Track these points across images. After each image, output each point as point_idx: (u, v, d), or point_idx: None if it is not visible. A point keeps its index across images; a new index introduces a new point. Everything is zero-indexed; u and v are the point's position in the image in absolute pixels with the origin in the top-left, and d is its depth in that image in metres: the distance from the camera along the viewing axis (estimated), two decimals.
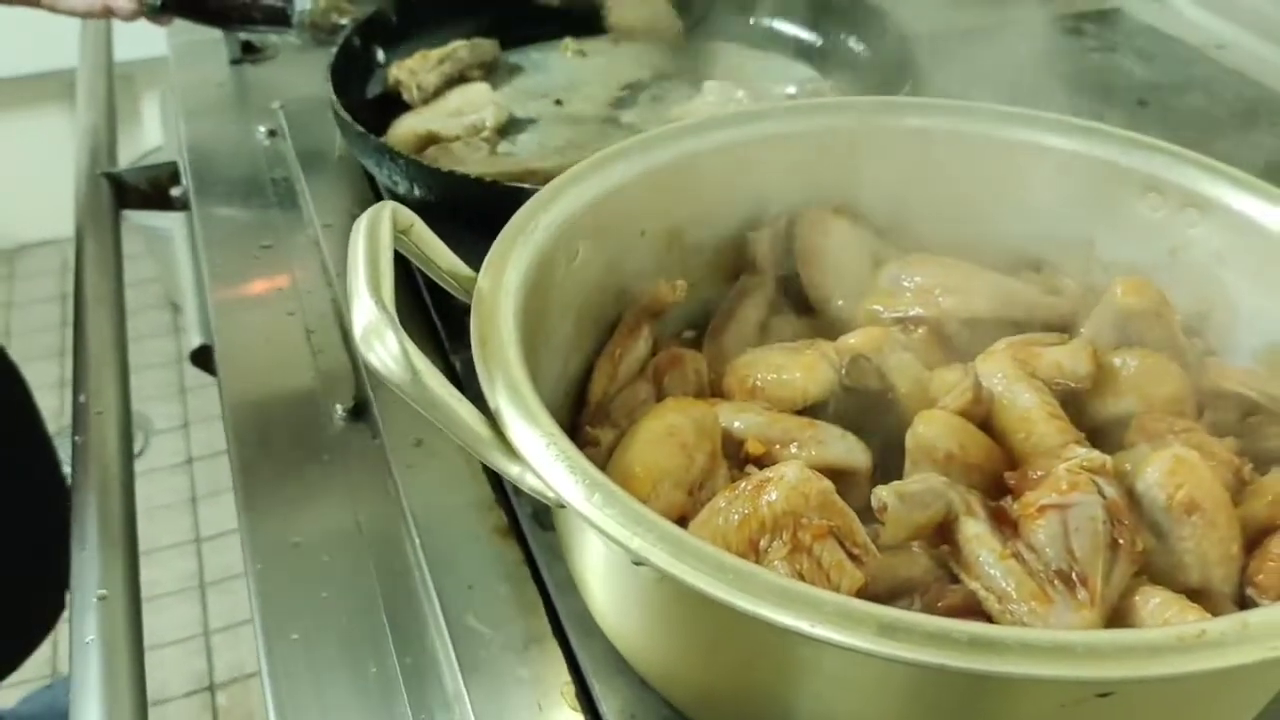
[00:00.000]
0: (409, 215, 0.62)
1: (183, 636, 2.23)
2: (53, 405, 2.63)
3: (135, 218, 2.69)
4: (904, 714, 0.52)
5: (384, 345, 0.53)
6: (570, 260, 0.70)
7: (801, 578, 0.54)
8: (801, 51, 1.23)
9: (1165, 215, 0.76)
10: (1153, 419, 0.66)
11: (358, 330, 0.53)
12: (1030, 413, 0.66)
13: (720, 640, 0.54)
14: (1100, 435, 0.67)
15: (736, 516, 0.56)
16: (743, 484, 0.57)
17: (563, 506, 0.52)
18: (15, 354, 2.93)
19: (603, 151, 0.75)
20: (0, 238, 3.18)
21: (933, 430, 0.64)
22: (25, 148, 2.91)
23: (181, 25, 1.17)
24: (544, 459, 0.52)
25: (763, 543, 0.55)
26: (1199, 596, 0.58)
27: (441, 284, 0.64)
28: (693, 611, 0.54)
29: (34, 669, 2.08)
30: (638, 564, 0.51)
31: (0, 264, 3.20)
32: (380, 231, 0.58)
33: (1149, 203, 0.76)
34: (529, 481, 0.54)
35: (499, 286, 0.62)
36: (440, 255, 0.63)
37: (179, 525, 2.43)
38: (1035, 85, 1.23)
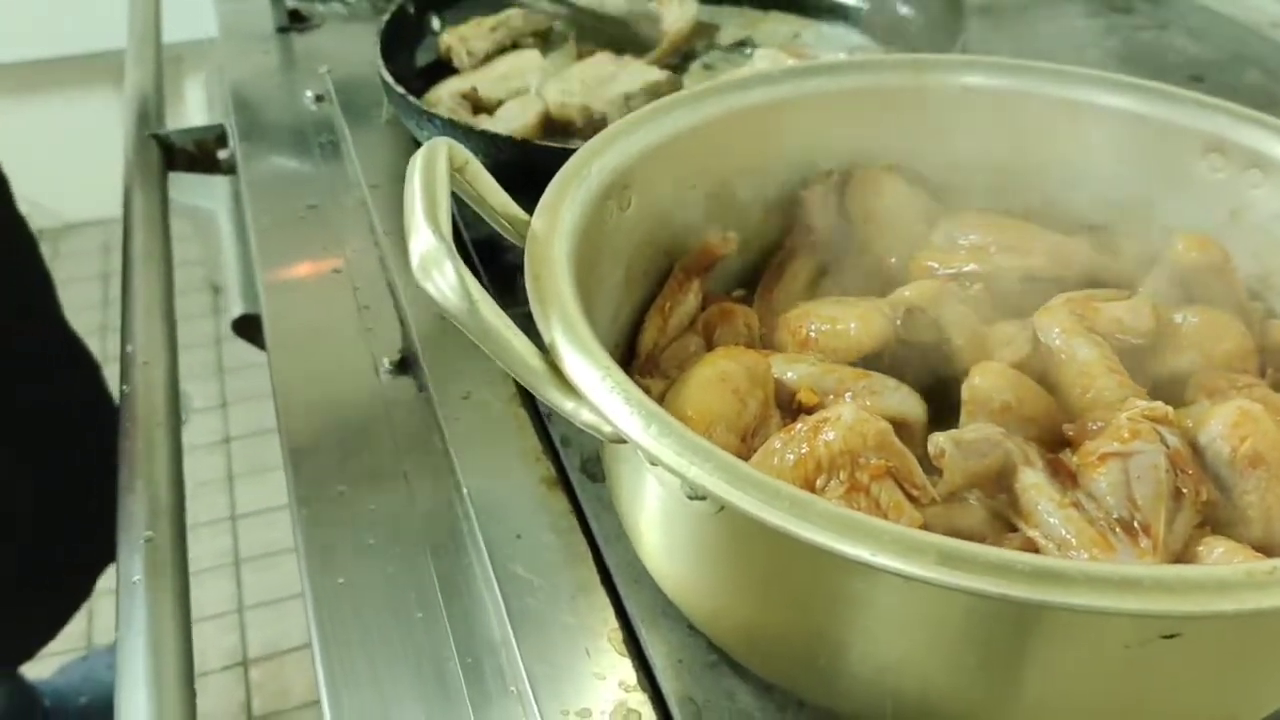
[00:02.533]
0: (464, 153, 0.61)
1: (218, 612, 2.24)
2: None
3: (180, 199, 2.72)
4: (958, 654, 0.51)
5: (442, 274, 0.53)
6: (623, 208, 0.69)
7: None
8: (851, 18, 1.22)
9: (1227, 176, 0.74)
10: (1214, 375, 0.64)
11: (415, 259, 0.53)
12: (1090, 367, 0.65)
13: (774, 576, 0.53)
14: (1160, 392, 0.66)
15: (792, 456, 0.55)
16: (799, 425, 0.57)
17: (620, 441, 0.51)
18: None
19: (654, 103, 0.74)
20: (46, 217, 3.20)
21: (989, 382, 0.63)
22: (72, 128, 2.94)
23: None
24: (600, 391, 0.51)
25: (819, 482, 0.54)
26: (1264, 550, 0.56)
27: (494, 224, 0.64)
28: (748, 546, 0.53)
29: (69, 641, 2.10)
30: (693, 498, 0.50)
31: (45, 242, 3.22)
32: (437, 165, 0.58)
33: (1210, 163, 0.75)
34: (584, 416, 0.53)
35: (553, 228, 0.62)
36: (494, 194, 0.63)
37: (216, 503, 2.44)
38: (1084, 60, 1.22)
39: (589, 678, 0.61)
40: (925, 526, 0.56)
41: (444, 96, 1.07)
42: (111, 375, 2.65)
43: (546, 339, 0.54)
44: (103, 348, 2.77)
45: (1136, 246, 0.76)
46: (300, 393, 0.82)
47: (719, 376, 0.62)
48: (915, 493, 0.54)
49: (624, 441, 0.51)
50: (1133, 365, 0.67)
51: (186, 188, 1.67)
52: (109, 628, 2.15)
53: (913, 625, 0.51)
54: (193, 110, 2.76)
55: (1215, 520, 0.58)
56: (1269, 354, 0.68)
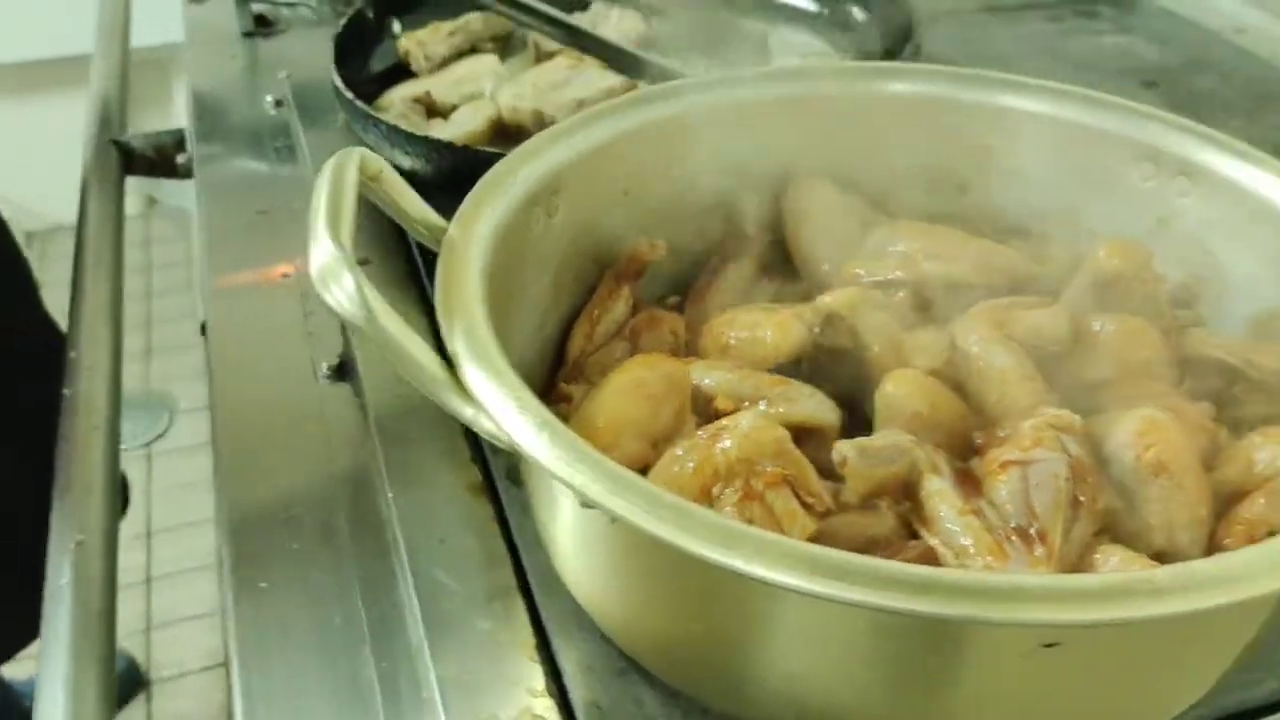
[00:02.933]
0: (378, 162, 0.62)
1: (200, 613, 2.25)
2: None
3: (167, 201, 2.73)
4: (850, 663, 0.52)
5: (339, 285, 0.53)
6: (550, 216, 0.70)
7: (750, 524, 0.53)
8: (805, 21, 1.22)
9: (1156, 185, 0.75)
10: (1128, 383, 0.65)
11: (314, 269, 0.54)
12: (1004, 374, 0.65)
13: (669, 585, 0.54)
14: (1078, 400, 0.66)
15: (691, 464, 0.56)
16: (700, 433, 0.57)
17: (514, 449, 0.51)
18: None
19: (589, 110, 0.75)
20: (34, 219, 3.22)
21: (902, 389, 0.63)
22: (59, 131, 2.95)
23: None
24: (495, 399, 0.52)
25: (716, 489, 0.55)
26: (1165, 559, 0.57)
27: (412, 233, 0.64)
28: (642, 555, 0.53)
29: None
30: (585, 505, 0.50)
31: (34, 245, 3.25)
32: (346, 175, 0.58)
33: (1140, 171, 0.75)
34: (482, 424, 0.53)
35: (470, 236, 0.62)
36: (410, 203, 0.63)
37: (199, 504, 2.45)
38: (1041, 65, 1.22)
39: (499, 683, 0.61)
40: (823, 534, 0.56)
41: (396, 101, 1.07)
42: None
43: (449, 348, 0.55)
44: None
45: (1066, 253, 0.77)
46: (238, 396, 0.83)
47: (633, 383, 0.63)
48: (810, 500, 0.55)
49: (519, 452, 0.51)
50: (1053, 373, 0.67)
51: (173, 190, 1.68)
52: None
53: (805, 634, 0.51)
54: (180, 113, 2.77)
55: (1121, 528, 0.59)
56: (1188, 361, 0.68)
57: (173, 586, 2.31)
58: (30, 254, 3.23)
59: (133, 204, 3.31)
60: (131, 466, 2.53)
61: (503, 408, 0.51)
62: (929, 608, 0.42)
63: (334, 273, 0.53)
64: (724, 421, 0.57)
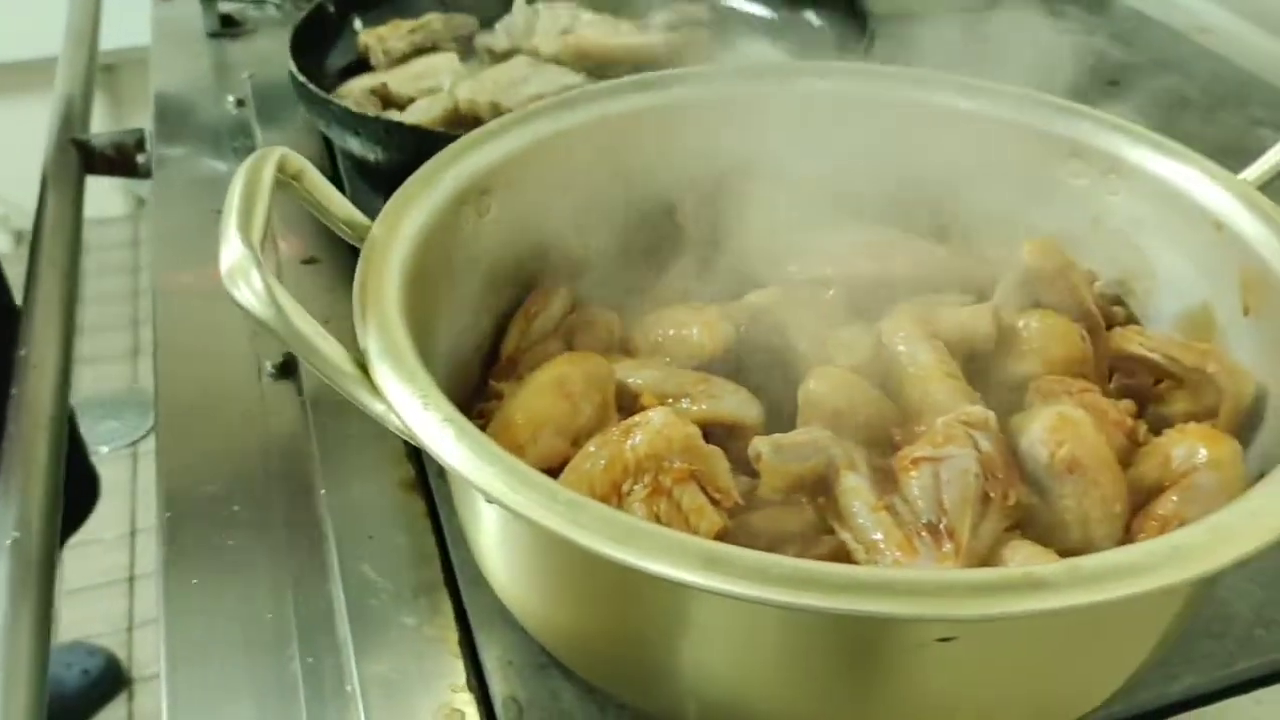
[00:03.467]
0: (299, 161, 0.62)
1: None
2: None
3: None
4: (756, 659, 0.52)
5: (248, 283, 0.53)
6: (481, 214, 0.70)
7: (658, 519, 0.53)
8: (762, 28, 1.23)
9: (1088, 182, 0.75)
10: (1049, 380, 0.65)
11: (224, 268, 0.54)
12: (927, 372, 0.65)
13: (576, 583, 0.54)
14: (1005, 398, 0.66)
15: (603, 460, 0.56)
16: (613, 429, 0.57)
17: (420, 445, 0.52)
18: None
19: (527, 108, 0.75)
20: (25, 218, 3.22)
21: (823, 386, 0.63)
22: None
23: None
24: (401, 396, 0.52)
25: (625, 486, 0.55)
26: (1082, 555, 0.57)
27: (337, 232, 0.64)
28: (546, 552, 0.54)
29: None
30: (489, 501, 0.51)
31: (25, 243, 3.25)
32: (262, 174, 0.59)
33: (1071, 169, 0.75)
34: (391, 420, 0.54)
35: (393, 235, 0.62)
36: (334, 202, 0.64)
37: None
38: (1002, 65, 1.22)
39: (421, 679, 0.62)
40: (740, 530, 0.57)
41: (355, 90, 1.08)
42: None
43: (361, 344, 0.55)
44: (76, 350, 2.79)
45: (1002, 252, 0.77)
46: (182, 394, 0.83)
47: (554, 381, 0.63)
48: (718, 496, 0.55)
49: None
50: (980, 371, 0.68)
51: None
52: (72, 626, 2.17)
53: (706, 629, 0.51)
54: None
55: (1037, 524, 0.59)
56: (1114, 358, 0.69)
57: (151, 586, 2.31)
58: (22, 251, 3.25)
59: (122, 205, 3.32)
60: (117, 466, 2.54)
61: (409, 404, 0.52)
62: (810, 602, 0.43)
63: (243, 271, 0.53)
64: (636, 418, 0.57)
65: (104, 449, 2.52)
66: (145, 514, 2.45)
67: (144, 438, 2.64)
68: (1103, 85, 1.22)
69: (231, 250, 0.54)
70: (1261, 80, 1.24)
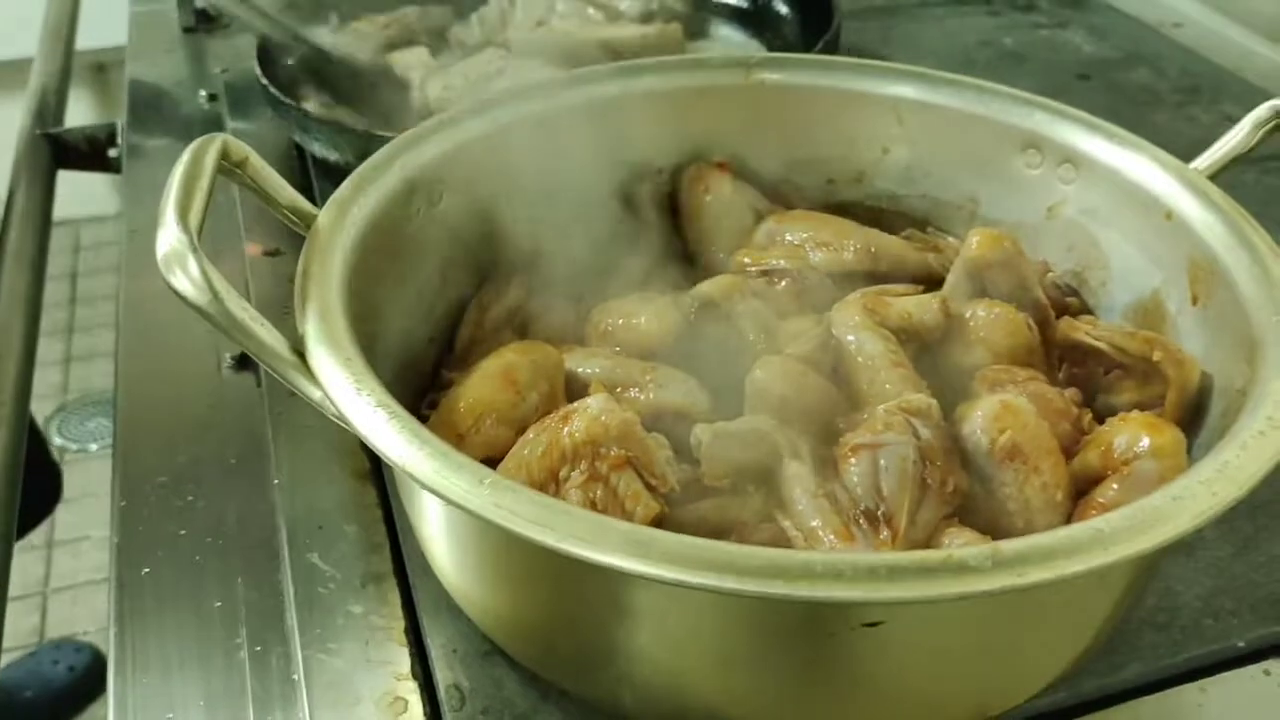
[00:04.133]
0: (243, 149, 0.62)
1: None
2: (54, 381, 2.67)
3: None
4: (687, 643, 0.52)
5: (184, 270, 0.53)
6: (432, 204, 0.70)
7: (594, 505, 0.54)
8: (737, 17, 1.23)
9: (1043, 172, 0.75)
10: (995, 369, 0.65)
11: (160, 254, 0.54)
12: (874, 360, 0.65)
13: (509, 569, 0.54)
14: (952, 386, 0.66)
15: (540, 447, 0.56)
16: (551, 416, 0.57)
17: (354, 431, 0.52)
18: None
19: (479, 98, 0.75)
20: None
21: (769, 375, 0.63)
22: None
23: None
24: (337, 382, 0.52)
25: (563, 472, 0.55)
26: None
27: (283, 220, 0.64)
28: (481, 539, 0.54)
29: (20, 638, 2.11)
30: (423, 488, 0.51)
31: None
32: (204, 161, 0.59)
33: (1027, 159, 0.75)
34: (328, 407, 0.54)
35: (340, 223, 0.62)
36: (279, 190, 0.64)
37: None
38: (970, 59, 1.22)
39: (366, 666, 0.62)
40: (684, 517, 0.57)
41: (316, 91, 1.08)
42: (56, 377, 2.66)
43: (300, 330, 0.55)
44: (65, 349, 2.79)
45: (957, 241, 0.77)
46: (142, 387, 0.83)
47: (501, 369, 0.63)
48: (654, 482, 0.55)
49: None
50: (928, 359, 0.68)
51: None
52: (60, 623, 2.17)
53: (639, 617, 0.51)
54: None
55: (979, 512, 0.59)
56: (1063, 347, 0.69)
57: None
58: None
59: (114, 203, 3.32)
60: (105, 463, 2.54)
61: (343, 390, 0.52)
62: (728, 585, 0.43)
63: (179, 258, 0.53)
64: (574, 404, 0.57)
65: (93, 446, 2.52)
66: None
67: None
68: (1073, 79, 1.22)
69: (168, 236, 0.54)
70: (1233, 75, 1.24)
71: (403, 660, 0.62)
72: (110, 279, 3.07)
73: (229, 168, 0.61)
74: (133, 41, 1.34)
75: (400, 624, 0.64)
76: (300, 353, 0.54)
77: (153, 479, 0.75)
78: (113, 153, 1.16)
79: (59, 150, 1.14)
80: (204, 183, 0.57)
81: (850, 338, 0.67)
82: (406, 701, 0.60)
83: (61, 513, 2.05)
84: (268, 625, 0.66)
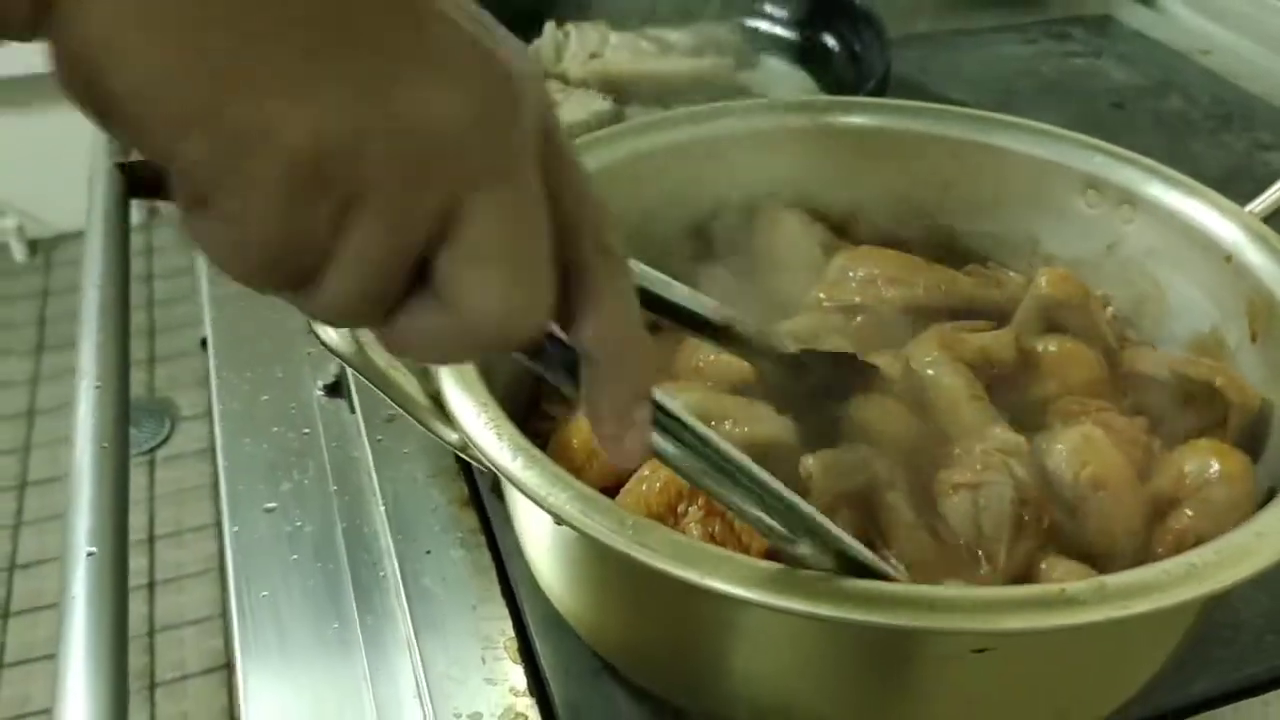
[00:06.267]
0: None
1: (203, 616, 2.29)
2: None
3: (167, 210, 2.78)
4: (803, 668, 0.56)
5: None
6: None
7: (713, 539, 0.58)
8: (786, 49, 1.27)
9: (1102, 212, 0.79)
10: (1069, 400, 0.69)
11: None
12: (954, 394, 0.69)
13: (633, 594, 0.58)
14: (1025, 417, 0.70)
15: (658, 484, 0.60)
16: None
17: (493, 470, 0.56)
18: (51, 339, 3.01)
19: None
20: (41, 227, 3.27)
21: (867, 410, 0.68)
22: (65, 141, 3.00)
23: None
24: (476, 426, 0.56)
25: (680, 507, 0.59)
26: (1107, 567, 0.61)
27: None
28: (609, 569, 0.58)
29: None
30: (559, 524, 0.55)
31: (39, 252, 3.30)
32: None
33: (1088, 199, 0.80)
34: (467, 448, 0.58)
35: None
36: None
37: (201, 510, 2.50)
38: (1009, 88, 1.27)
39: (483, 683, 0.66)
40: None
41: None
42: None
43: (436, 378, 0.59)
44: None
45: (1023, 278, 0.81)
46: (239, 411, 0.87)
47: None
48: None
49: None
50: (1003, 392, 0.72)
51: None
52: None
53: (757, 639, 0.56)
54: None
55: (1066, 539, 0.63)
56: (1128, 378, 0.73)
57: (177, 591, 2.36)
58: (36, 261, 3.29)
59: (135, 214, 3.36)
60: (136, 473, 2.58)
61: (484, 435, 0.56)
62: (857, 616, 0.47)
63: None
64: None
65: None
66: (163, 521, 2.49)
67: (161, 445, 2.68)
68: (1108, 108, 1.26)
69: None
70: (1265, 102, 1.28)
71: (519, 677, 0.66)
72: (137, 289, 3.12)
73: None
74: None
75: (514, 643, 0.68)
76: (432, 397, 0.59)
77: (260, 504, 0.79)
78: None
79: (133, 180, 1.18)
80: None
81: (930, 372, 0.71)
82: (526, 717, 0.64)
83: None
84: (386, 645, 0.70)
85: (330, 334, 0.57)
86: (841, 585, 0.48)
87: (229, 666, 2.20)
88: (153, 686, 2.16)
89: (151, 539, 2.44)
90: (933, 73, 1.30)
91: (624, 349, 0.40)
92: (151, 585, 2.36)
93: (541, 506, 0.53)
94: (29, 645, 2.25)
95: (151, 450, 2.65)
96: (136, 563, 2.39)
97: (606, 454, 0.41)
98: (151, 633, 2.26)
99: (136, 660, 2.17)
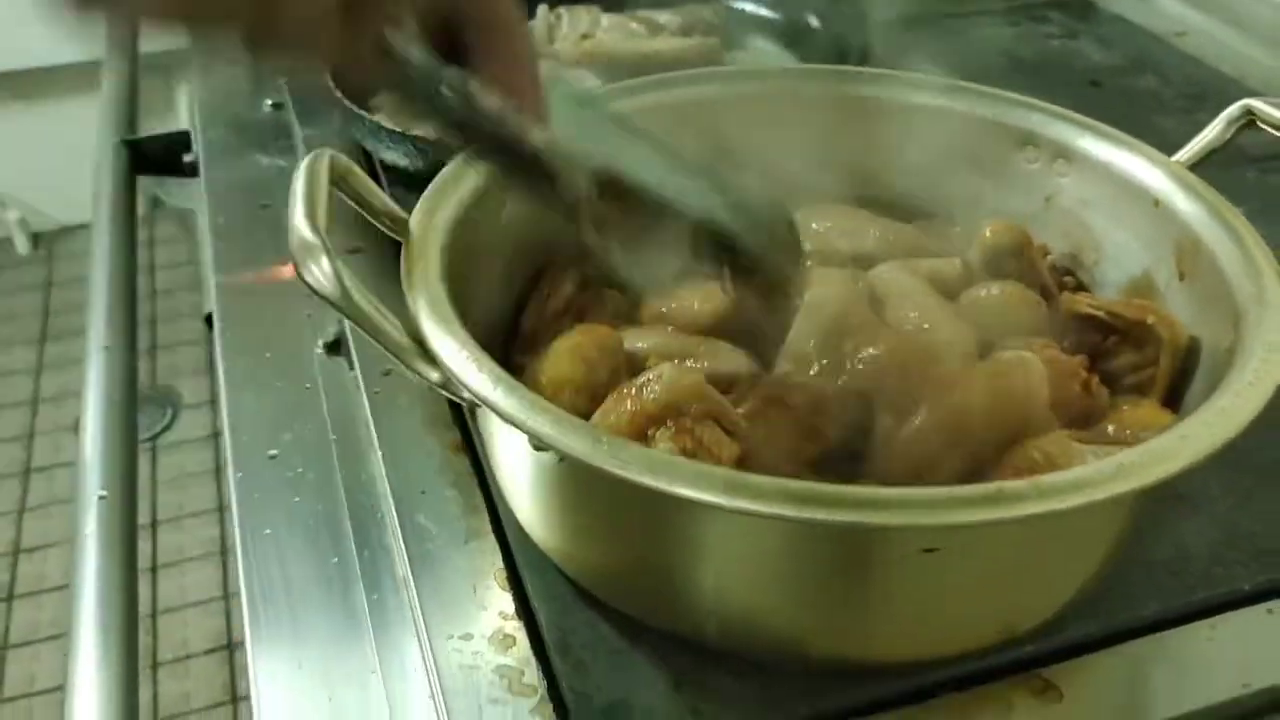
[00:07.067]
0: (346, 162, 0.69)
1: (204, 598, 2.35)
2: None
3: (170, 201, 2.83)
4: (768, 575, 0.61)
5: (318, 266, 0.61)
6: (498, 211, 0.78)
7: (686, 453, 0.62)
8: (767, 28, 1.32)
9: (1040, 167, 0.85)
10: (1013, 340, 0.74)
11: (294, 253, 0.62)
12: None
13: (610, 515, 0.64)
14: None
15: (626, 413, 0.65)
16: (627, 385, 0.66)
17: (476, 404, 0.60)
18: (54, 329, 3.05)
19: None
20: (44, 220, 3.32)
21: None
22: (68, 134, 3.04)
23: None
24: (457, 360, 0.61)
25: (650, 431, 0.64)
26: None
27: (379, 225, 0.72)
28: (584, 490, 0.63)
29: None
30: (538, 448, 0.59)
31: (41, 245, 3.35)
32: (319, 172, 0.66)
33: (1026, 155, 0.85)
34: (448, 385, 0.62)
35: (429, 226, 0.71)
36: (376, 198, 0.71)
37: (202, 495, 2.55)
38: (989, 68, 1.31)
39: (474, 609, 0.71)
40: (746, 456, 0.65)
41: (387, 102, 1.16)
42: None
43: (413, 317, 0.64)
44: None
45: (966, 233, 0.86)
46: (242, 370, 0.92)
47: (570, 347, 0.72)
48: (731, 428, 0.64)
49: (479, 405, 0.60)
50: None
51: (177, 192, 1.77)
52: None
53: (724, 550, 0.61)
54: (183, 117, 2.86)
55: None
56: (1066, 319, 0.78)
57: (179, 574, 2.41)
58: (39, 254, 3.34)
59: (138, 205, 3.41)
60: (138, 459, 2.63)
61: (464, 368, 0.60)
62: (812, 514, 0.52)
63: (313, 255, 0.62)
64: (647, 374, 0.66)
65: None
66: (165, 507, 2.54)
67: (163, 432, 2.73)
68: (1085, 87, 1.31)
69: (299, 236, 0.62)
70: (1234, 81, 1.33)
71: (507, 604, 0.71)
72: (140, 280, 3.16)
73: (335, 179, 0.69)
74: (196, 50, 1.42)
75: (503, 574, 0.73)
76: (416, 339, 0.63)
77: (263, 452, 0.84)
78: (187, 158, 1.25)
79: (138, 157, 1.23)
80: (323, 191, 0.66)
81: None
82: (514, 638, 0.69)
83: None
84: (381, 577, 0.75)
85: (316, 276, 0.61)
86: (797, 488, 0.53)
87: (230, 646, 2.25)
88: (155, 666, 2.21)
89: (155, 524, 2.49)
90: (914, 54, 1.34)
91: None
92: (154, 569, 2.41)
93: (521, 430, 0.57)
94: (34, 627, 2.30)
95: (154, 437, 2.70)
96: (140, 547, 2.43)
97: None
98: (154, 614, 2.31)
99: (139, 641, 2.22)
